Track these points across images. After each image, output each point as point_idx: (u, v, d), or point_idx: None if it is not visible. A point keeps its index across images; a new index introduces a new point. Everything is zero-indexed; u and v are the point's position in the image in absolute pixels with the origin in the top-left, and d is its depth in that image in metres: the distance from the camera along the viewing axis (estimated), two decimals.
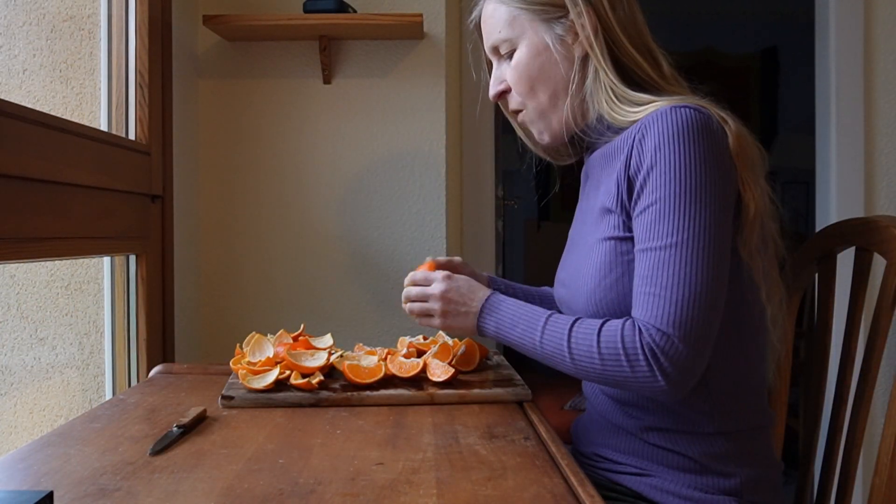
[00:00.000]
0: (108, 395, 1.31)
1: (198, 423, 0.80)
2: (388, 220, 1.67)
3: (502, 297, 0.89)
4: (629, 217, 0.82)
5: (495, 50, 0.95)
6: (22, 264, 1.17)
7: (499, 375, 1.01)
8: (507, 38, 0.92)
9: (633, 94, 0.85)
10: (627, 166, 0.81)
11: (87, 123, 1.24)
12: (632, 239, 0.81)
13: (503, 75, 0.95)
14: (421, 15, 1.52)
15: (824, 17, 1.81)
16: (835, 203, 1.77)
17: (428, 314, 0.92)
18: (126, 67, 1.34)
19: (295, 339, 1.05)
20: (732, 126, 0.80)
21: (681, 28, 3.98)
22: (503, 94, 0.96)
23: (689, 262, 0.74)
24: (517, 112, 0.97)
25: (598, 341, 0.77)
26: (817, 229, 1.59)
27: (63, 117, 1.07)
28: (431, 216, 1.67)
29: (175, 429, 0.76)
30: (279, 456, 0.69)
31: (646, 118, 0.80)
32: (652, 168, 0.77)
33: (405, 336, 1.11)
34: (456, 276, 0.93)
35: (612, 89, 0.86)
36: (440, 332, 1.16)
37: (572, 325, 0.80)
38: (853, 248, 1.00)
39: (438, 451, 0.71)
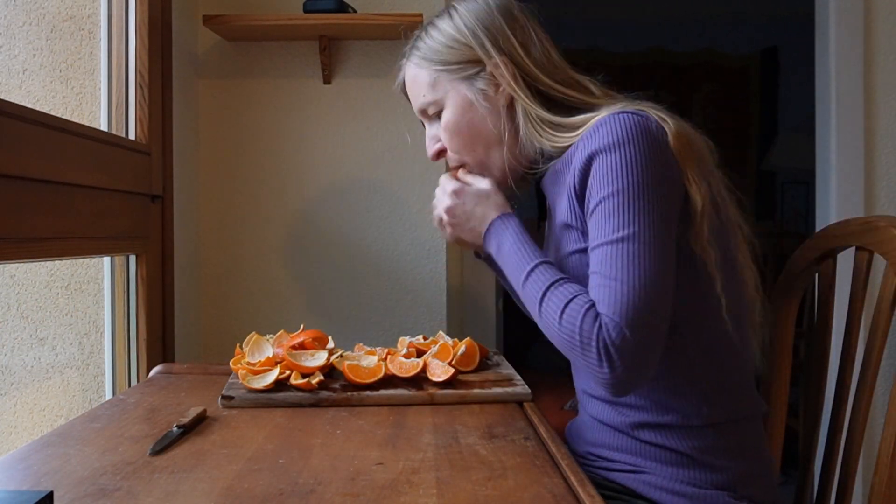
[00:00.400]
0: (108, 395, 1.31)
1: (198, 423, 0.80)
2: (388, 220, 1.67)
3: (507, 222, 0.90)
4: (585, 225, 0.84)
5: (423, 112, 0.98)
6: (22, 264, 1.18)
7: (499, 375, 1.01)
8: (433, 100, 0.95)
9: (568, 119, 0.87)
10: (574, 177, 0.83)
11: (87, 123, 1.24)
12: None
13: (437, 135, 0.98)
14: (421, 15, 1.52)
15: (824, 16, 1.81)
16: (835, 203, 1.77)
17: (441, 224, 0.99)
18: (126, 67, 1.34)
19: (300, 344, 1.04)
20: (672, 125, 0.81)
21: (681, 28, 3.98)
22: (441, 152, 0.99)
23: (639, 253, 0.75)
24: (458, 168, 0.99)
25: (561, 316, 0.78)
26: (817, 229, 1.59)
27: (63, 117, 1.07)
28: (431, 216, 1.66)
29: (175, 429, 0.76)
30: (279, 456, 0.69)
31: (587, 130, 0.83)
32: (597, 172, 0.79)
33: (405, 336, 1.11)
34: (466, 189, 0.95)
35: (544, 121, 0.89)
36: (440, 332, 1.17)
37: (550, 286, 0.81)
38: (853, 248, 1.01)
39: (438, 451, 0.71)
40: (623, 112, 0.81)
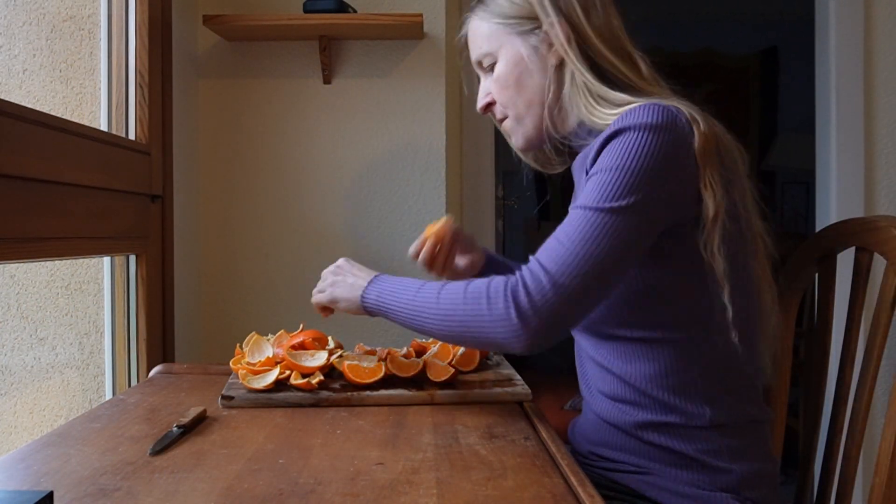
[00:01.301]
0: (108, 395, 1.31)
1: (198, 423, 0.80)
2: (388, 219, 1.67)
3: (390, 277, 0.92)
4: None
5: (479, 64, 0.99)
6: (22, 264, 1.17)
7: (499, 375, 1.01)
8: (488, 51, 0.96)
9: (611, 93, 0.87)
10: (591, 161, 0.83)
11: (87, 123, 1.24)
12: None
13: (488, 88, 0.99)
14: (421, 15, 1.52)
15: (824, 16, 1.81)
16: (835, 203, 1.77)
17: (320, 290, 0.98)
18: (126, 67, 1.34)
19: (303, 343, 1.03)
20: (703, 126, 0.80)
21: (681, 28, 3.98)
22: (489, 105, 1.00)
23: (598, 228, 0.75)
24: (501, 122, 1.00)
25: (467, 285, 0.79)
26: (817, 229, 1.59)
27: (63, 117, 1.07)
28: (431, 216, 1.66)
29: (175, 429, 0.76)
30: (279, 456, 0.69)
31: (617, 118, 0.83)
32: (609, 149, 0.80)
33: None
34: (346, 261, 0.98)
35: (588, 90, 0.88)
36: None
37: (446, 283, 0.82)
38: (853, 248, 1.00)
39: (438, 451, 0.71)
40: (655, 104, 0.80)
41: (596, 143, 0.84)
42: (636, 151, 0.77)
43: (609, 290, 0.78)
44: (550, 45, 0.91)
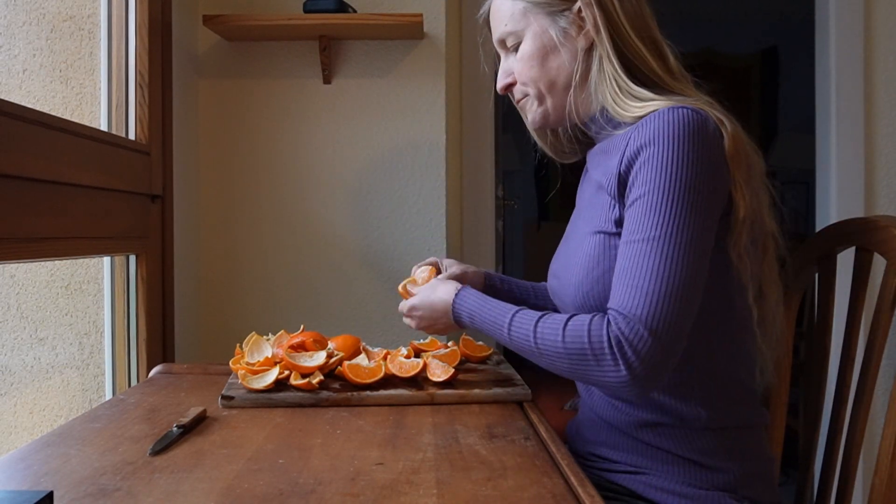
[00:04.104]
0: (108, 395, 1.31)
1: (198, 423, 0.80)
2: (388, 219, 1.67)
3: (465, 296, 0.92)
4: (620, 212, 0.83)
5: (502, 43, 0.97)
6: (22, 264, 1.17)
7: (499, 375, 1.01)
8: (513, 31, 0.93)
9: (637, 88, 0.86)
10: (621, 163, 0.82)
11: (87, 123, 1.24)
12: (620, 235, 0.82)
13: (510, 68, 0.96)
14: (421, 15, 1.52)
15: (824, 16, 1.81)
16: (835, 203, 1.77)
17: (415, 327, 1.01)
18: (126, 67, 1.34)
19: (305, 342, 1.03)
20: (730, 128, 0.80)
21: (681, 28, 3.96)
22: (510, 86, 0.98)
23: (669, 256, 0.74)
24: (520, 101, 0.98)
25: (564, 335, 0.77)
26: (817, 229, 1.59)
27: (63, 117, 1.07)
28: (431, 216, 1.67)
29: (175, 429, 0.76)
30: (279, 456, 0.69)
31: (644, 118, 0.81)
32: (644, 164, 0.78)
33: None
34: (414, 303, 0.99)
35: (616, 80, 0.87)
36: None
37: (539, 320, 0.81)
38: (853, 248, 1.00)
39: (438, 451, 0.71)
40: (683, 107, 0.79)
41: (621, 141, 0.83)
42: (675, 166, 0.76)
43: (696, 308, 0.76)
44: (581, 27, 0.89)
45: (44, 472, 0.65)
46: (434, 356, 0.99)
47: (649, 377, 0.73)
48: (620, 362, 0.73)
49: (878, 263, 0.93)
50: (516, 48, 0.94)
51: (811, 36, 1.88)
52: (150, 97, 1.36)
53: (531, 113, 0.97)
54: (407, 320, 1.01)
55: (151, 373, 1.11)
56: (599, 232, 0.85)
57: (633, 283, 0.74)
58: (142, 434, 0.77)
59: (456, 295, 0.93)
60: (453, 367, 0.95)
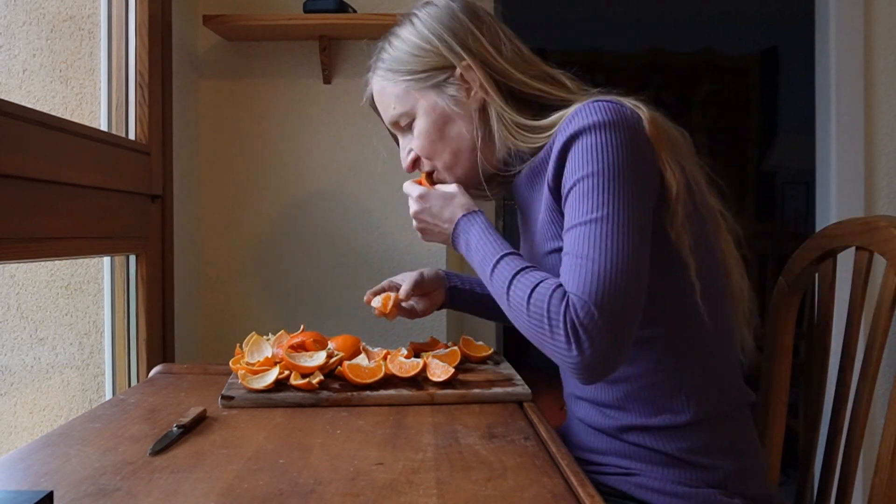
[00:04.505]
0: (108, 395, 1.31)
1: (198, 423, 0.80)
2: (388, 220, 1.67)
3: (473, 219, 0.89)
4: (562, 216, 0.83)
5: (396, 125, 0.97)
6: (22, 264, 1.17)
7: (499, 375, 1.01)
8: (403, 111, 0.93)
9: (542, 121, 0.86)
10: (552, 168, 0.82)
11: (87, 123, 1.24)
12: None
13: (410, 145, 0.96)
14: None
15: (824, 17, 1.81)
16: (835, 203, 1.77)
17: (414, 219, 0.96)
18: (126, 67, 1.34)
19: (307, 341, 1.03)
20: (646, 111, 0.81)
21: (681, 28, 3.98)
22: (416, 162, 0.97)
23: (613, 234, 0.74)
24: (431, 174, 0.98)
25: (529, 299, 0.77)
26: (817, 229, 1.59)
27: (63, 117, 1.07)
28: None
29: (175, 429, 0.76)
30: (279, 456, 0.69)
31: (560, 125, 0.82)
32: (572, 157, 0.79)
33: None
34: (430, 193, 0.93)
35: (518, 125, 0.88)
36: (430, 336, 1.17)
37: (516, 274, 0.80)
38: (853, 248, 1.00)
39: (438, 451, 0.71)
40: (596, 100, 0.81)
41: (546, 156, 0.84)
42: (604, 150, 0.77)
43: (644, 282, 0.76)
44: (469, 90, 0.90)
45: (44, 472, 0.65)
46: (434, 356, 0.98)
47: (600, 364, 0.73)
48: (573, 345, 0.72)
49: (878, 263, 0.93)
50: (410, 126, 0.94)
51: (811, 36, 1.88)
52: (150, 97, 1.36)
53: (449, 182, 0.96)
54: (413, 205, 0.95)
55: (151, 373, 1.11)
56: (553, 251, 0.86)
57: (583, 262, 0.74)
58: (142, 434, 0.77)
59: (465, 213, 0.90)
60: (453, 367, 0.95)
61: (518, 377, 1.00)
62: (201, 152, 1.67)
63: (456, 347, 1.06)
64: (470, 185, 0.96)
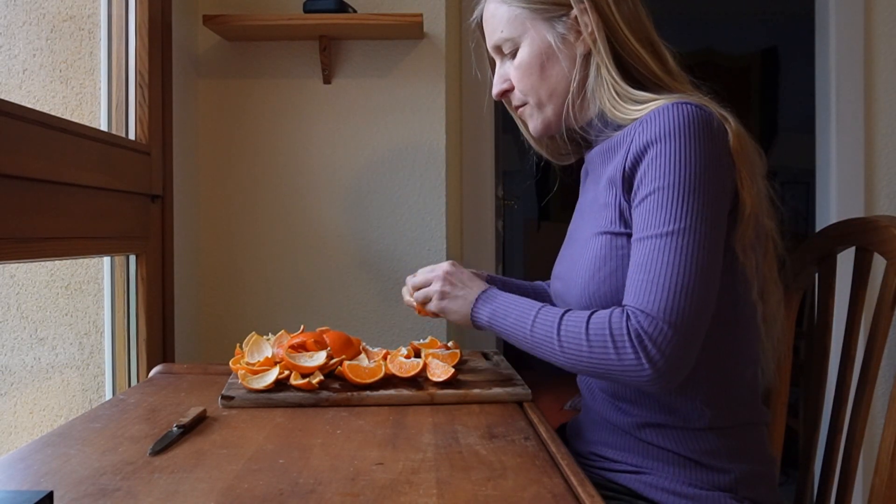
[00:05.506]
0: (108, 395, 1.31)
1: (198, 423, 0.80)
2: (388, 220, 1.67)
3: (499, 291, 0.90)
4: (626, 212, 0.83)
5: (498, 49, 0.95)
6: (22, 264, 1.17)
7: (499, 375, 1.01)
8: (510, 37, 0.92)
9: (636, 92, 0.85)
10: (626, 160, 0.81)
11: (87, 123, 1.24)
12: (627, 234, 0.82)
13: (506, 74, 0.95)
14: (421, 15, 1.52)
15: (824, 16, 1.81)
16: (835, 203, 1.77)
17: (428, 297, 0.96)
18: (126, 67, 1.34)
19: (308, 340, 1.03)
20: (733, 125, 0.81)
21: (681, 28, 3.97)
22: (506, 92, 0.97)
23: (684, 251, 0.74)
24: (518, 108, 0.97)
25: (587, 328, 0.77)
26: (817, 229, 1.59)
27: (63, 117, 1.07)
28: (431, 216, 1.67)
29: (175, 429, 0.76)
30: (279, 456, 0.69)
31: (647, 115, 0.81)
32: (652, 161, 0.78)
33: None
34: (460, 266, 0.95)
35: (614, 87, 0.86)
36: (430, 336, 1.16)
37: (563, 315, 0.80)
38: (853, 248, 1.00)
39: (438, 451, 0.71)
40: (687, 103, 0.79)
41: (623, 140, 0.83)
42: (685, 161, 0.76)
43: (713, 301, 0.76)
44: (578, 33, 0.88)
45: (44, 472, 0.65)
46: (434, 356, 0.98)
47: (671, 371, 0.73)
48: (642, 357, 0.73)
49: (878, 263, 0.93)
50: (513, 54, 0.93)
51: (811, 36, 1.88)
52: (150, 97, 1.36)
53: (532, 121, 0.96)
54: (428, 289, 0.95)
55: (151, 373, 1.11)
56: (605, 233, 0.85)
57: (650, 278, 0.74)
58: (142, 434, 0.77)
59: (480, 294, 0.90)
60: (453, 367, 0.95)
61: (518, 377, 1.00)
62: (201, 152, 1.67)
63: (456, 348, 1.06)
64: (553, 129, 0.95)
